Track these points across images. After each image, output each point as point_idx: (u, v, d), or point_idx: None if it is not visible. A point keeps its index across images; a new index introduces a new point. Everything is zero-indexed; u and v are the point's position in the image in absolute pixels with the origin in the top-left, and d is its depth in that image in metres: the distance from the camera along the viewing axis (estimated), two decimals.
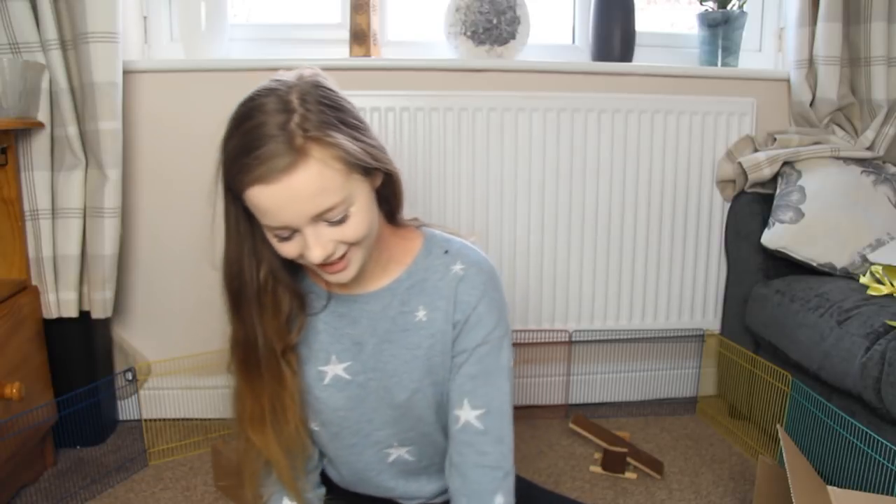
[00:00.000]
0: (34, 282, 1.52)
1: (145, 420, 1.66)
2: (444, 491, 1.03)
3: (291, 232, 0.78)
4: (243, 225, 0.83)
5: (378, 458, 0.97)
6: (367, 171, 0.82)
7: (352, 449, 0.96)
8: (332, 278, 0.84)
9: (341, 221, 0.78)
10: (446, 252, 0.93)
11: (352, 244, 0.81)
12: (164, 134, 1.68)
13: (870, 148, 1.76)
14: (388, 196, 0.92)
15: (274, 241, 0.80)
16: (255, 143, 0.73)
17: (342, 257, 0.81)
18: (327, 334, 0.93)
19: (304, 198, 0.74)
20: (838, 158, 1.72)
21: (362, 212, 0.80)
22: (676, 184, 1.82)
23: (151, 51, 1.77)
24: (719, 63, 1.86)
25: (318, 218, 0.77)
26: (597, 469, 1.55)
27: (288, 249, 0.80)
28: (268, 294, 0.87)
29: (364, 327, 0.93)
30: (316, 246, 0.78)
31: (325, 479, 1.07)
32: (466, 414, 0.91)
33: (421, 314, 0.92)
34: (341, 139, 0.76)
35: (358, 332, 0.93)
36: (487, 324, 0.91)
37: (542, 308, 1.82)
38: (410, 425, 0.94)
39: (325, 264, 0.81)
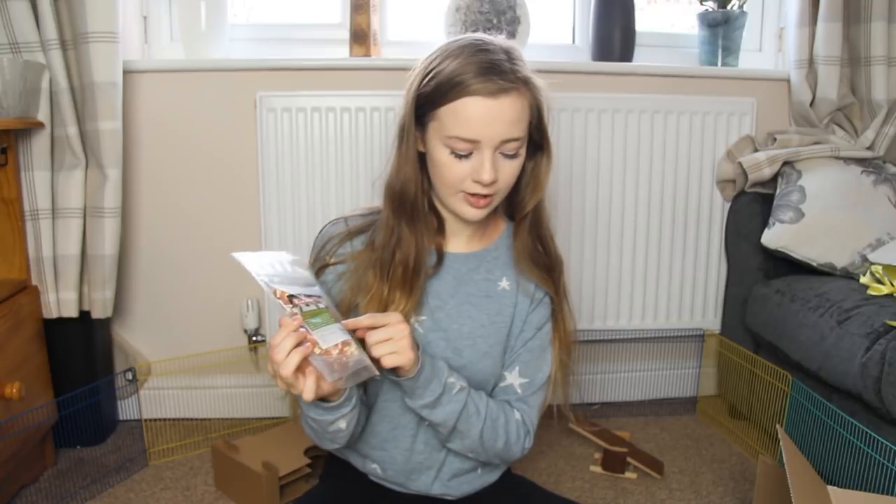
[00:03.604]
0: (34, 282, 1.52)
1: (145, 420, 1.66)
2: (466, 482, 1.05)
3: (470, 151, 0.86)
4: (415, 152, 0.92)
5: (418, 420, 0.97)
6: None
7: (399, 404, 0.95)
8: (471, 212, 0.91)
9: (513, 157, 0.88)
10: None
11: (499, 190, 0.90)
12: (164, 134, 1.68)
13: (870, 148, 1.76)
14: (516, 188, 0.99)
15: (447, 160, 0.88)
16: (486, 64, 0.83)
17: (488, 196, 0.90)
18: None
19: (506, 120, 0.85)
20: (838, 158, 1.72)
21: (519, 161, 0.91)
22: (676, 184, 1.81)
23: (151, 51, 1.76)
24: (719, 63, 1.86)
25: (503, 144, 0.86)
26: (597, 469, 1.55)
27: (459, 168, 0.87)
28: (421, 211, 0.94)
29: (447, 284, 0.98)
30: (491, 168, 0.86)
31: (353, 479, 1.06)
32: (513, 378, 1.01)
33: (504, 283, 1.01)
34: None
35: (440, 288, 0.98)
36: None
37: None
38: None
39: (477, 195, 0.89)
